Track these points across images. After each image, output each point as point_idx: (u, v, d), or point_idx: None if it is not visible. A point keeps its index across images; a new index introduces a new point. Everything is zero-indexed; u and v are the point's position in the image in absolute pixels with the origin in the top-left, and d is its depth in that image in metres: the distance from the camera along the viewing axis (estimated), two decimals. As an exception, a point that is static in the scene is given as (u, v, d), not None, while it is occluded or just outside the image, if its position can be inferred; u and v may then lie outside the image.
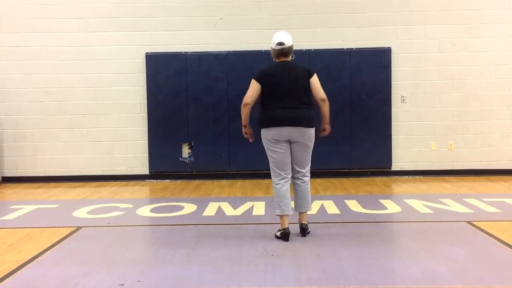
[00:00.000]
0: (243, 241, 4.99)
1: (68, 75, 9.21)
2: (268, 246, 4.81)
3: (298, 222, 5.19)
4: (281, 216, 5.06)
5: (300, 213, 5.19)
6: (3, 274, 4.16)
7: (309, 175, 5.22)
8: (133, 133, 9.29)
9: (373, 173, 9.29)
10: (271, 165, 5.12)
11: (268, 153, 5.12)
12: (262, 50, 8.92)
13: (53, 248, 4.90)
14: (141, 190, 8.52)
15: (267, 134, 5.05)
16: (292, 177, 5.16)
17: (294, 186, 5.20)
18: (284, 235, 5.00)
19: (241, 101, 5.08)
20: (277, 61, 5.17)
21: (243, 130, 5.23)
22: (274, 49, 5.13)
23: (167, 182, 9.13)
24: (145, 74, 9.17)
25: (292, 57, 5.19)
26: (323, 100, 5.10)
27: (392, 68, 9.19)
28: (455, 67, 9.20)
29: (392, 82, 9.20)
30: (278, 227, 5.09)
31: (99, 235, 5.44)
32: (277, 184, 5.07)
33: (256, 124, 5.18)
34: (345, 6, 9.18)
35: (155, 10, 9.21)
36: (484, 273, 4.05)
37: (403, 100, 9.26)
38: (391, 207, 6.71)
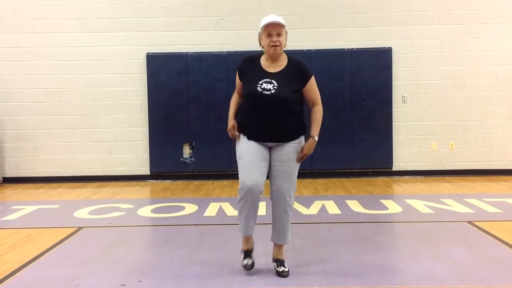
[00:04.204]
0: (244, 241, 4.99)
1: (69, 75, 9.22)
2: (269, 246, 4.78)
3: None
4: None
5: None
6: (4, 274, 4.16)
7: None
8: (134, 133, 9.29)
9: (374, 173, 9.28)
10: None
11: None
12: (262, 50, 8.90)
13: (54, 249, 4.91)
14: (142, 190, 8.52)
15: None
16: None
17: None
18: None
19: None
20: None
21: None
22: None
23: (167, 182, 9.13)
24: (146, 74, 9.18)
25: None
26: None
27: (393, 68, 9.18)
28: (456, 67, 9.20)
29: (393, 82, 9.20)
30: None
31: (100, 236, 5.45)
32: None
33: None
34: (346, 6, 9.17)
35: (156, 11, 9.21)
36: (485, 273, 4.05)
37: (404, 100, 9.25)
38: (392, 207, 6.72)
